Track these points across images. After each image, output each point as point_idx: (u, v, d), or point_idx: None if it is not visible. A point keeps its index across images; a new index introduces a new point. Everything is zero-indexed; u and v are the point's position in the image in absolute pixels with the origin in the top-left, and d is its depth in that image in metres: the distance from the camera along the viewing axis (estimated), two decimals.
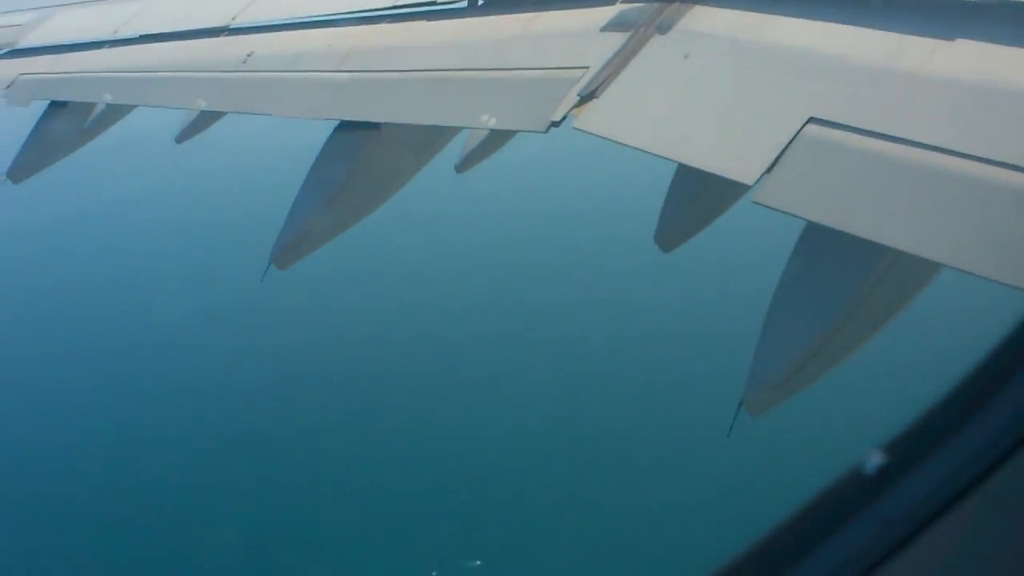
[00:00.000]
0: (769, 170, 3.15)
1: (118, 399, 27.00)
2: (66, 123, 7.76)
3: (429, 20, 5.08)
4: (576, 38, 4.24)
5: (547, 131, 3.94)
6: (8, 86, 7.61)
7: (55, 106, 7.66)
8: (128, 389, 27.93)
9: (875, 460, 1.12)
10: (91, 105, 7.50)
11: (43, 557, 21.51)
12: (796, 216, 3.26)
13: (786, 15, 3.72)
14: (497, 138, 6.87)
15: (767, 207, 3.13)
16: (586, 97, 3.87)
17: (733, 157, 3.36)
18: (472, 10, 4.94)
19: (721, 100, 3.66)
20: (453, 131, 5.53)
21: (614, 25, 4.11)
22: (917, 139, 2.96)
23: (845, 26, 3.50)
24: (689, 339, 24.55)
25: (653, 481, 19.68)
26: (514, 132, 4.68)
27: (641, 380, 23.63)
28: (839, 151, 3.13)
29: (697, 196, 5.72)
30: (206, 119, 7.22)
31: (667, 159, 3.62)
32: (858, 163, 3.09)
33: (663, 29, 3.96)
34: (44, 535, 22.56)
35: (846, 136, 3.13)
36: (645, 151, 3.62)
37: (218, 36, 6.18)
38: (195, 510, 21.76)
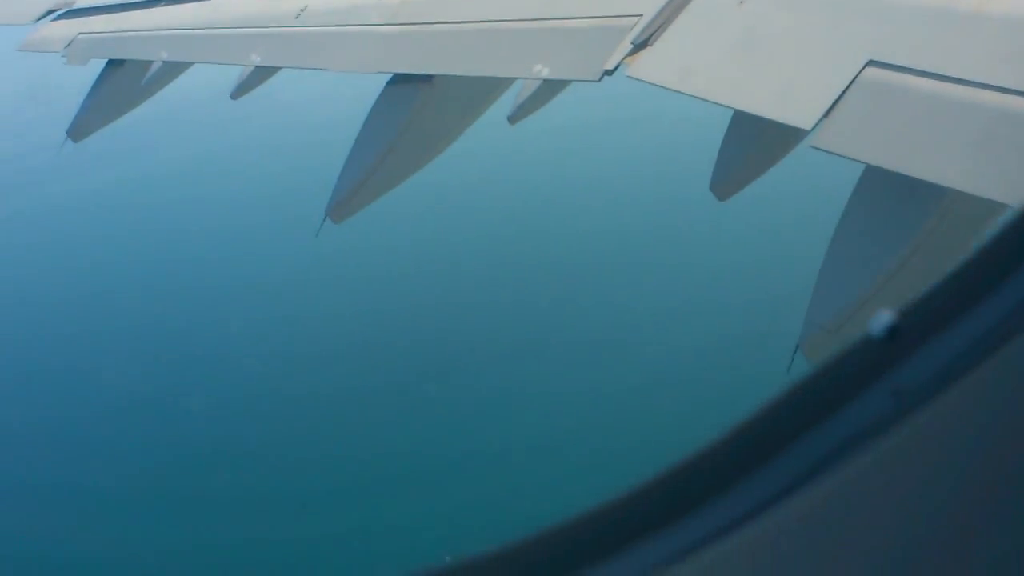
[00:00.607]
0: (827, 114, 3.11)
1: (177, 356, 27.58)
2: (124, 81, 7.84)
3: None
4: None
5: (600, 80, 3.93)
6: (67, 45, 7.74)
7: (113, 65, 7.73)
8: (187, 344, 28.52)
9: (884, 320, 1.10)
10: (148, 63, 7.59)
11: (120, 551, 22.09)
12: (854, 160, 3.23)
13: None
14: (550, 88, 6.85)
15: (825, 151, 3.10)
16: (639, 45, 3.85)
17: (790, 102, 3.33)
18: None
19: (777, 45, 3.61)
20: (506, 82, 5.53)
21: None
22: (978, 79, 2.91)
23: None
24: (746, 288, 24.40)
25: (710, 428, 19.68)
26: (567, 82, 4.67)
27: (696, 329, 23.57)
28: (898, 93, 3.08)
29: (753, 143, 5.66)
30: (260, 75, 7.28)
31: (722, 106, 3.59)
32: (918, 105, 3.04)
33: None
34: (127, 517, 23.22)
35: (906, 78, 3.08)
36: (700, 98, 3.59)
37: None
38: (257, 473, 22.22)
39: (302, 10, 5.74)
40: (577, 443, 19.79)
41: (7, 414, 26.73)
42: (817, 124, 3.14)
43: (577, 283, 27.25)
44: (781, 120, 3.30)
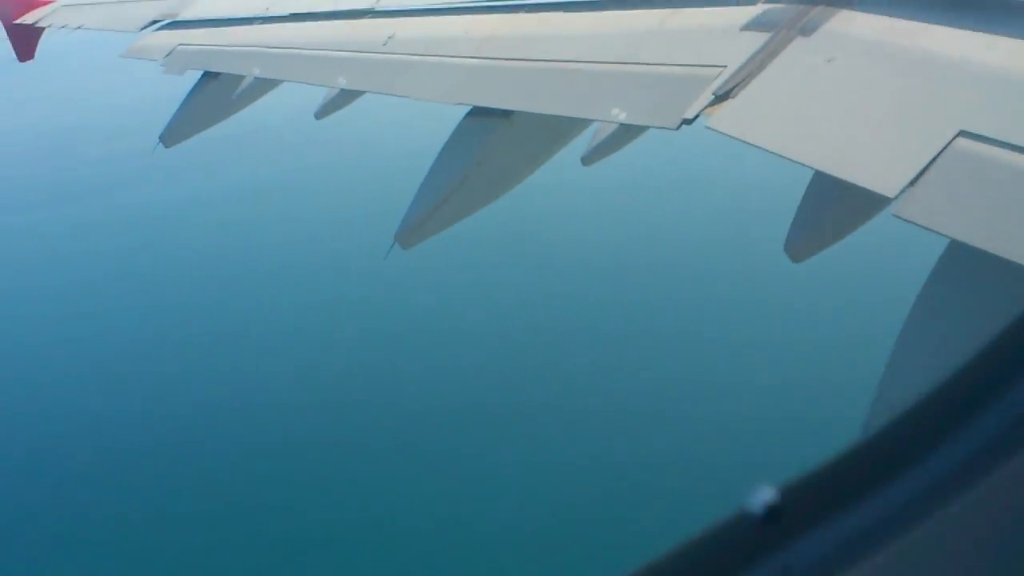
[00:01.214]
0: (913, 183, 3.00)
1: (252, 367, 27.99)
2: (217, 93, 8.10)
3: (567, 12, 5.06)
4: (714, 36, 4.15)
5: (678, 128, 3.87)
6: (167, 55, 8.06)
7: (207, 76, 7.99)
8: (260, 355, 28.97)
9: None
10: (240, 77, 7.82)
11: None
12: (938, 233, 3.11)
13: (939, 23, 3.54)
14: (626, 133, 6.82)
15: (908, 222, 2.99)
16: (721, 96, 3.78)
17: (875, 167, 3.22)
18: (610, 3, 4.90)
19: (865, 107, 3.51)
20: (583, 123, 5.52)
21: (755, 25, 3.99)
22: None
23: (1002, 37, 3.31)
24: (815, 355, 23.91)
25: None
26: (644, 128, 4.62)
27: (763, 392, 23.14)
28: (990, 167, 2.97)
29: (833, 206, 5.53)
30: (345, 97, 7.44)
31: (803, 165, 3.50)
32: (1011, 181, 2.92)
33: (807, 31, 3.83)
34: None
35: (998, 152, 2.96)
36: (780, 155, 3.51)
37: (362, 18, 6.35)
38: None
39: (390, 37, 5.83)
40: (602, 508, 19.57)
41: (90, 409, 27.41)
42: (902, 192, 3.04)
43: (637, 336, 26.95)
44: (864, 185, 3.19)
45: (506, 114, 5.16)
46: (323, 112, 8.00)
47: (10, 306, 39.40)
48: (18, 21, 11.67)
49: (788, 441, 21.24)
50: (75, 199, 51.26)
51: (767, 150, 3.57)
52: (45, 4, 11.74)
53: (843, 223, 5.63)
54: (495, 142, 5.28)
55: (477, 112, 5.29)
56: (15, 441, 26.82)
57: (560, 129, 5.54)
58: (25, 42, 12.04)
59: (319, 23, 6.84)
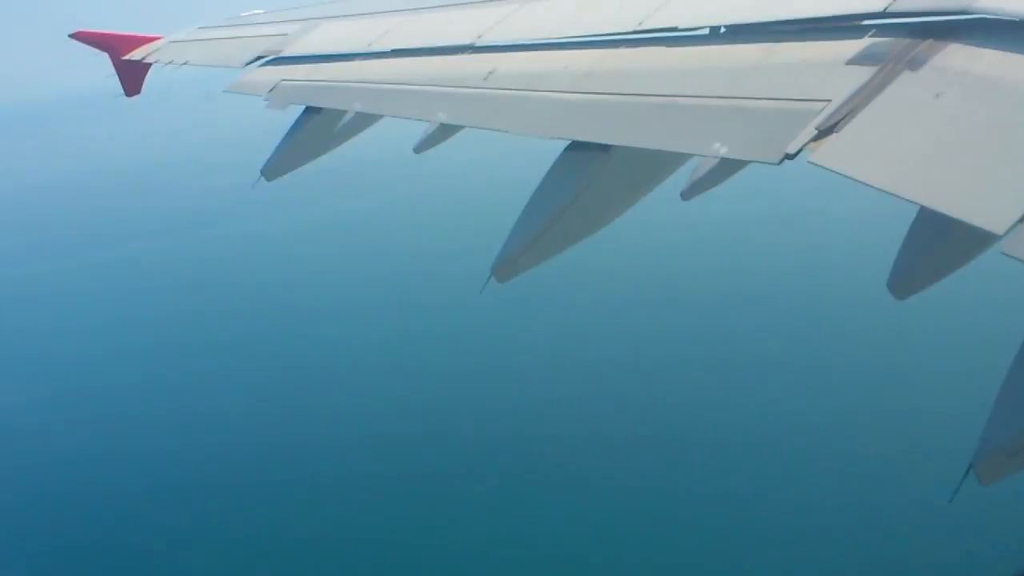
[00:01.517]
0: (1023, 220, 2.92)
1: (354, 401, 28.41)
2: (318, 128, 8.25)
3: (668, 46, 5.04)
4: (818, 70, 4.10)
5: (780, 163, 3.82)
6: (271, 90, 8.24)
7: (309, 111, 8.16)
8: (365, 388, 29.39)
9: None
10: (342, 112, 7.95)
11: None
12: None
13: None
14: (727, 167, 6.74)
15: (1018, 260, 2.90)
16: (825, 131, 3.73)
17: (982, 203, 3.13)
18: (714, 38, 4.87)
19: (973, 142, 3.42)
20: (683, 157, 5.47)
21: (861, 59, 3.94)
22: None
23: None
24: (919, 397, 23.29)
25: (873, 541, 18.76)
26: (745, 162, 4.58)
27: (866, 429, 22.62)
28: None
29: (939, 243, 5.39)
30: (444, 132, 7.49)
31: (908, 201, 3.42)
32: None
33: (914, 66, 3.76)
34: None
35: None
36: (884, 191, 3.44)
37: (463, 53, 6.41)
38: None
39: (490, 72, 5.88)
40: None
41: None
42: (1011, 229, 2.95)
43: (733, 374, 26.61)
44: (971, 222, 3.10)
45: (605, 148, 5.15)
46: (422, 146, 8.09)
47: (122, 334, 40.90)
48: (126, 57, 12.15)
49: (893, 473, 20.78)
50: (182, 230, 52.92)
51: (871, 186, 3.50)
52: (152, 41, 12.17)
53: (949, 260, 5.48)
54: (594, 176, 5.26)
55: (576, 146, 5.30)
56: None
57: (659, 163, 5.50)
58: (133, 77, 12.50)
59: (419, 59, 6.93)
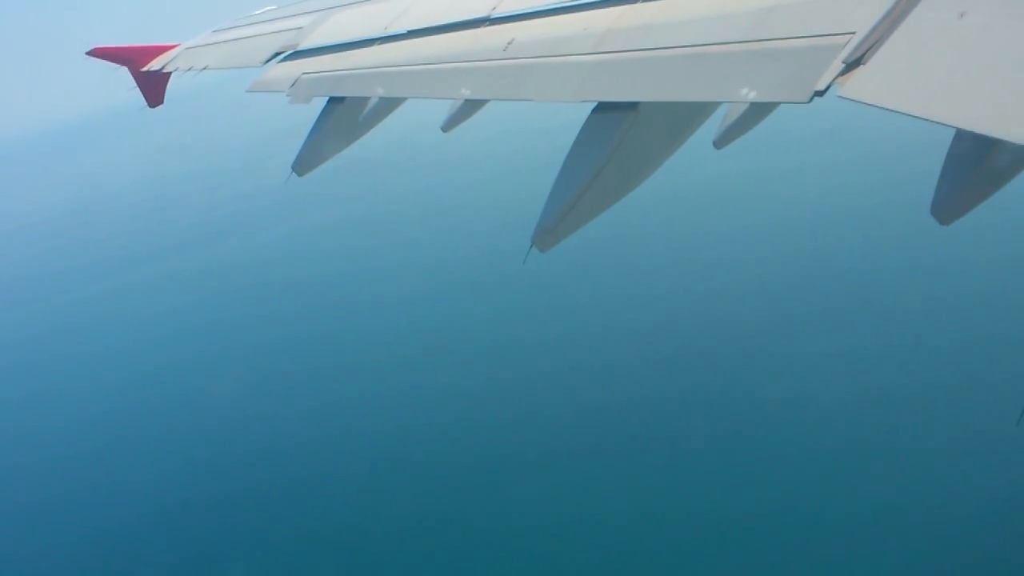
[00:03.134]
0: None
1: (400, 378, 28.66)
2: (344, 117, 8.26)
3: None
4: (840, 3, 4.04)
5: (810, 101, 3.79)
6: (292, 85, 8.23)
7: (333, 102, 8.17)
8: (408, 365, 29.59)
9: None
10: (365, 99, 7.96)
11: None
12: None
13: None
14: (757, 111, 6.67)
15: None
16: (852, 64, 3.69)
17: (1018, 120, 3.09)
18: None
19: (1004, 59, 3.37)
20: (712, 107, 5.42)
21: None
22: None
23: None
24: (971, 317, 23.02)
25: (934, 473, 18.65)
26: (775, 104, 4.53)
27: (915, 358, 22.42)
28: None
29: (978, 164, 5.31)
30: (470, 108, 7.47)
31: (944, 125, 3.38)
32: None
33: None
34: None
35: None
36: (919, 117, 3.40)
37: (479, 27, 6.38)
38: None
39: (509, 43, 5.86)
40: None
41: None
42: None
43: (791, 309, 26.42)
44: (1008, 139, 3.06)
45: (632, 106, 5.12)
46: (450, 124, 8.07)
47: (189, 343, 41.61)
48: (145, 68, 12.17)
49: (948, 404, 20.58)
50: (220, 238, 53.33)
51: (905, 114, 3.46)
52: (169, 49, 12.20)
53: (990, 181, 5.39)
54: (624, 136, 5.22)
55: (603, 107, 5.27)
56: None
57: (689, 115, 5.46)
58: (153, 88, 12.52)
59: (437, 37, 6.89)
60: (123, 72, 12.49)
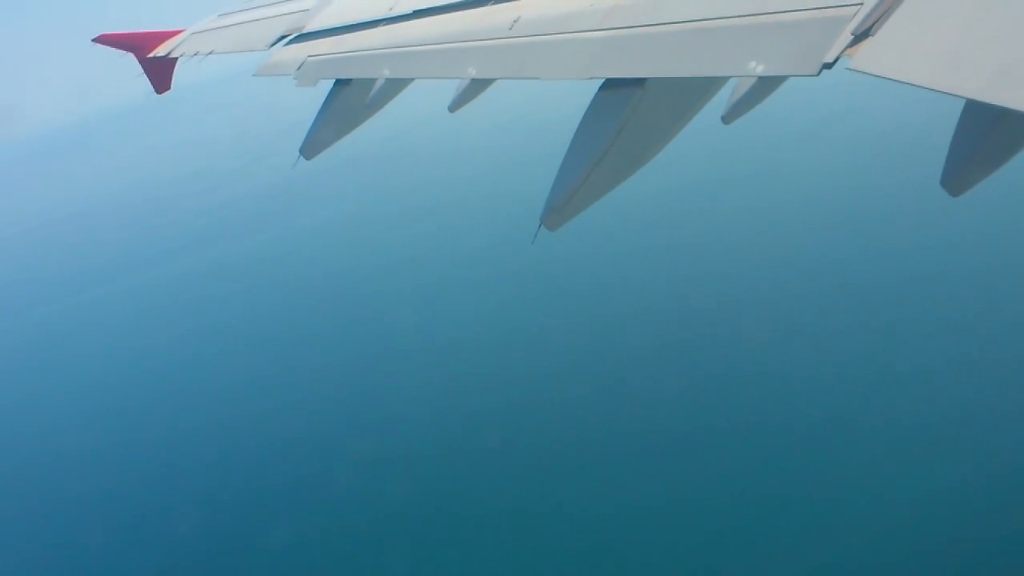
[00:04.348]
0: None
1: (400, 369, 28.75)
2: (351, 99, 8.27)
3: None
4: None
5: (819, 74, 3.77)
6: (298, 68, 8.21)
7: (340, 84, 8.18)
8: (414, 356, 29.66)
9: None
10: (372, 81, 7.95)
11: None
12: None
13: None
14: (766, 85, 6.65)
15: None
16: (861, 35, 3.67)
17: None
18: None
19: (1014, 26, 3.34)
20: (720, 81, 5.40)
21: None
22: None
23: None
24: (981, 288, 22.99)
25: (950, 450, 18.63)
26: (783, 78, 4.51)
27: (928, 327, 22.40)
28: None
29: (989, 134, 5.28)
30: (477, 87, 7.45)
31: (954, 96, 3.36)
32: None
33: None
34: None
35: None
36: (929, 88, 3.38)
37: (485, 5, 6.36)
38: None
39: (515, 21, 5.84)
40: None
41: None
42: None
43: (802, 282, 26.38)
44: (1020, 108, 3.04)
45: (640, 82, 5.11)
46: (457, 104, 8.05)
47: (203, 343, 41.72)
48: (151, 55, 12.16)
49: (966, 372, 20.55)
50: (226, 236, 53.08)
51: (915, 85, 3.44)
52: (175, 35, 12.18)
53: (1000, 151, 5.37)
54: (632, 112, 5.21)
55: (611, 84, 5.26)
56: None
57: (696, 90, 5.44)
58: (160, 74, 12.50)
59: (443, 16, 6.87)
60: (130, 59, 12.48)
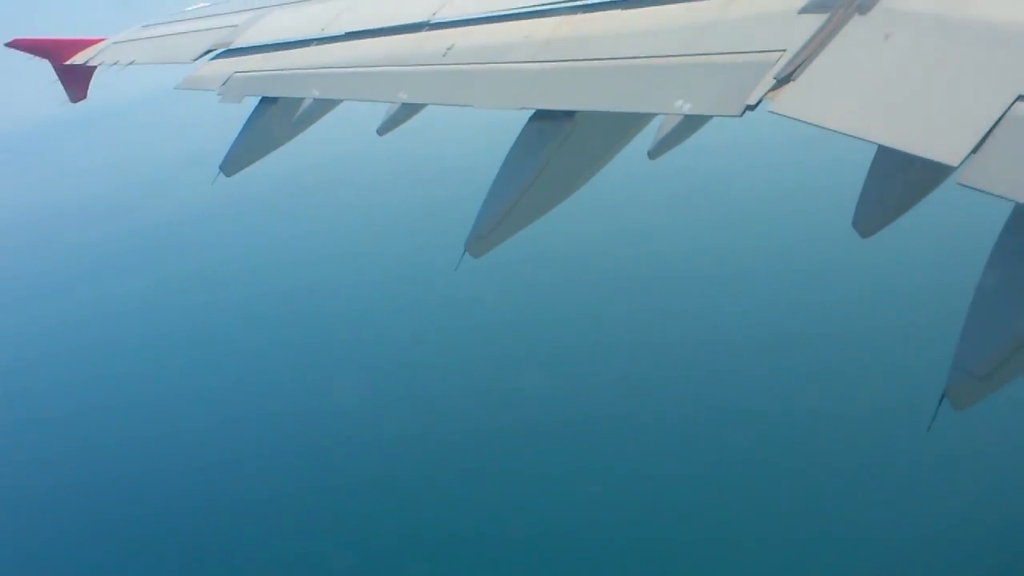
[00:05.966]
0: (975, 150, 3.03)
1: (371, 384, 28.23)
2: (276, 118, 8.13)
3: (625, 8, 5.11)
4: (773, 21, 4.19)
5: (742, 115, 3.92)
6: (223, 83, 8.07)
7: (266, 102, 8.05)
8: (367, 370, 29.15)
9: None
10: (299, 100, 7.87)
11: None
12: (1003, 198, 3.14)
13: None
14: (691, 123, 6.83)
15: (972, 188, 3.03)
16: (783, 80, 3.82)
17: (937, 138, 3.24)
18: None
19: (924, 79, 3.53)
20: (647, 118, 5.53)
21: (812, 7, 4.04)
22: None
23: None
24: (889, 329, 23.67)
25: (850, 478, 19.04)
26: (708, 117, 4.66)
27: (836, 370, 22.93)
28: None
29: (898, 179, 5.53)
30: (407, 111, 7.46)
31: (866, 141, 3.54)
32: None
33: (863, 9, 3.87)
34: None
35: None
36: (843, 133, 3.55)
37: (419, 31, 6.40)
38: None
39: (449, 48, 5.90)
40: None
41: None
42: (965, 160, 3.07)
43: (715, 320, 26.87)
44: (927, 156, 3.21)
45: (569, 115, 5.21)
46: (386, 127, 8.05)
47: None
48: (69, 62, 11.76)
49: (869, 405, 21.12)
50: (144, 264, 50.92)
51: (830, 129, 3.62)
52: (95, 43, 11.81)
53: (908, 195, 5.61)
54: (560, 143, 5.30)
55: (541, 115, 5.35)
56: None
57: (624, 125, 5.56)
58: (77, 82, 12.06)
59: (376, 40, 6.86)
60: (46, 66, 12.11)
